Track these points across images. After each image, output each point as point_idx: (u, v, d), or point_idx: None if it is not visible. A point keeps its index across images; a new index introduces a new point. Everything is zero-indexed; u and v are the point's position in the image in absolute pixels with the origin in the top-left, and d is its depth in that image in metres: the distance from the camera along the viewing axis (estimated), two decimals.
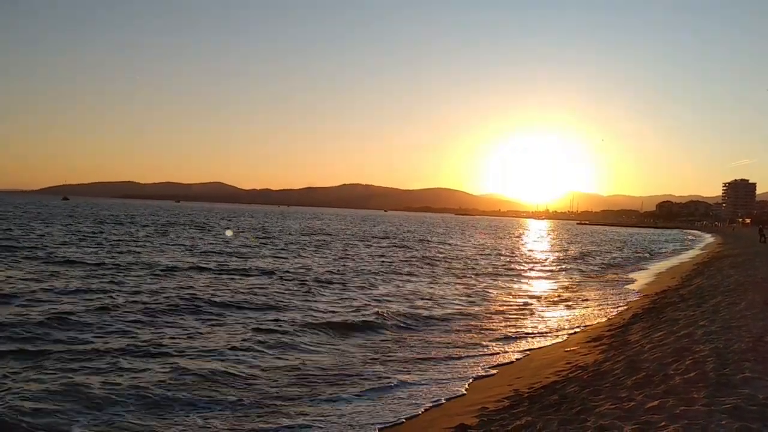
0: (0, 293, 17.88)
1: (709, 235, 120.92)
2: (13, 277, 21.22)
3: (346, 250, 45.19)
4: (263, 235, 60.09)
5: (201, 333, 14.44)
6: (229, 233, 57.20)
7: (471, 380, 11.58)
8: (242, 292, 20.69)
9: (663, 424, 6.20)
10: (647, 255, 55.39)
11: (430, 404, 9.99)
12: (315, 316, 17.08)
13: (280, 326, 15.39)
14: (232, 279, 24.35)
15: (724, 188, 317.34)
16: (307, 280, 24.87)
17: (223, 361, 12.02)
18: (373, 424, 9.03)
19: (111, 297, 18.26)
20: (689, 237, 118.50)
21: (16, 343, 12.37)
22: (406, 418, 9.27)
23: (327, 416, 9.30)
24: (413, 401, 10.19)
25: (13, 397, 9.21)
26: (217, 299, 18.91)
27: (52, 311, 15.50)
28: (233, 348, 12.95)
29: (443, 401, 10.15)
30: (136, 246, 38.11)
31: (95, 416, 8.83)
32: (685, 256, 52.19)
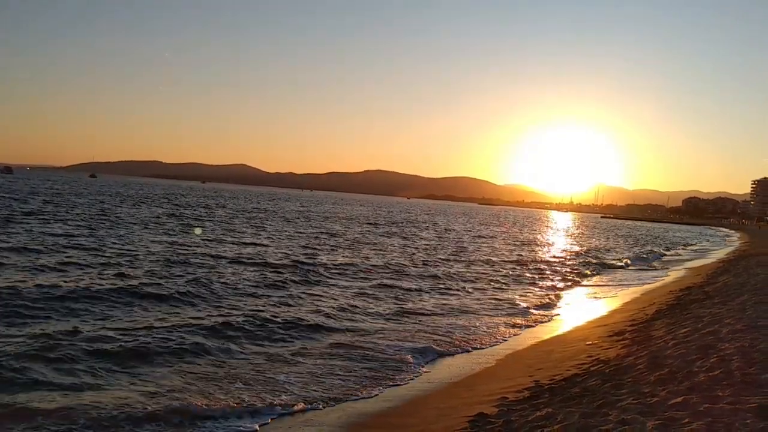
0: None
1: (736, 233, 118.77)
2: None
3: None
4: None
5: None
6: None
7: (491, 369, 11.61)
8: None
9: (686, 420, 6.16)
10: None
11: (449, 390, 10.05)
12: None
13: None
14: None
15: (753, 185, 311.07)
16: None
17: None
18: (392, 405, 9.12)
19: None
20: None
21: None
22: (425, 402, 9.34)
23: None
24: (434, 385, 10.26)
25: None
26: None
27: None
28: None
29: (462, 389, 10.19)
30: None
31: None
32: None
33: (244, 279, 19.54)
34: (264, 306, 15.86)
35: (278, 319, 14.27)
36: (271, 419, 8.66)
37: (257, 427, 8.35)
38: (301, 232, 42.69)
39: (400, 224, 67.59)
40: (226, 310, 14.92)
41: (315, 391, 9.90)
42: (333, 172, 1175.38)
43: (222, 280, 18.72)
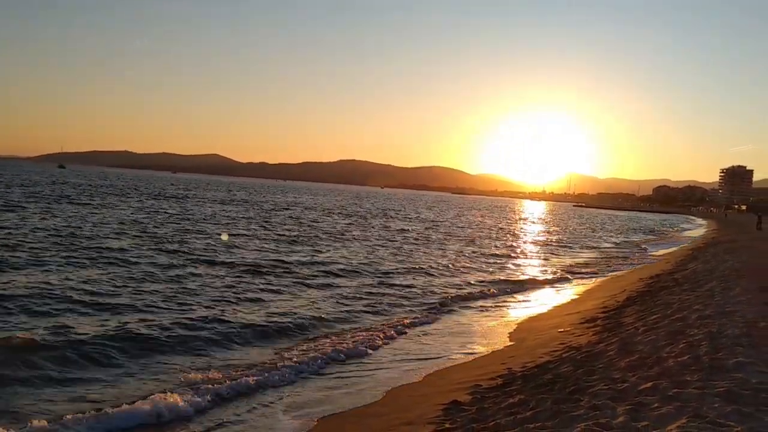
0: None
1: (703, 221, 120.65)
2: None
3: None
4: None
5: None
6: None
7: (464, 357, 11.67)
8: None
9: (656, 405, 6.23)
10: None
11: (423, 379, 10.09)
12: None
13: None
14: None
15: (721, 174, 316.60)
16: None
17: None
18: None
19: None
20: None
21: None
22: (399, 391, 9.36)
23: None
24: (407, 376, 10.28)
25: None
26: None
27: None
28: None
29: (436, 377, 10.23)
30: None
31: None
32: None
33: None
34: None
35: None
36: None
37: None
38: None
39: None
40: None
41: None
42: (306, 162, 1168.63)
43: None
